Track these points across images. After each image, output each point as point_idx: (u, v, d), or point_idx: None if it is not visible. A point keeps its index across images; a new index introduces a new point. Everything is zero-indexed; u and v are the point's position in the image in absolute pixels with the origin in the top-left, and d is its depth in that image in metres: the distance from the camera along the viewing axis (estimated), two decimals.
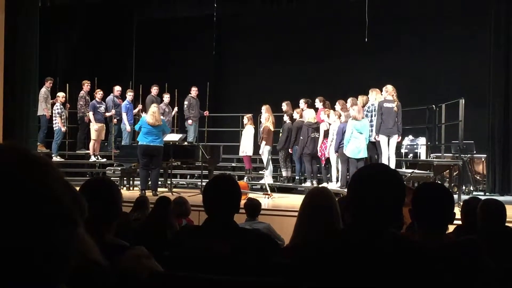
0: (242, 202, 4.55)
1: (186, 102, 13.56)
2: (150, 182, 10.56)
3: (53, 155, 12.47)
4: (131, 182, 11.94)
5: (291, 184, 11.98)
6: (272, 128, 12.00)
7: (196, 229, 3.25)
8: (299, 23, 15.29)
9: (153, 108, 10.56)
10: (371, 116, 10.18)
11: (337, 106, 10.77)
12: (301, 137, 11.18)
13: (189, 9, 15.18)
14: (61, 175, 1.00)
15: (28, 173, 0.93)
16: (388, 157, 9.80)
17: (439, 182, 9.37)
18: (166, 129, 11.00)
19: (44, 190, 0.94)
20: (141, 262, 2.21)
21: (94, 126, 12.84)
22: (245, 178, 12.58)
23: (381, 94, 10.12)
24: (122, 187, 11.33)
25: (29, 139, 11.96)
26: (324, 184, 10.40)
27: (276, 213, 8.34)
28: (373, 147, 10.24)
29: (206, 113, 14.14)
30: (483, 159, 11.52)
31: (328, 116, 10.92)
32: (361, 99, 10.63)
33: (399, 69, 13.67)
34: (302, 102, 11.80)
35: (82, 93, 13.28)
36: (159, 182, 11.15)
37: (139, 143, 10.53)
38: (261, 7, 14.74)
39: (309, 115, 11.26)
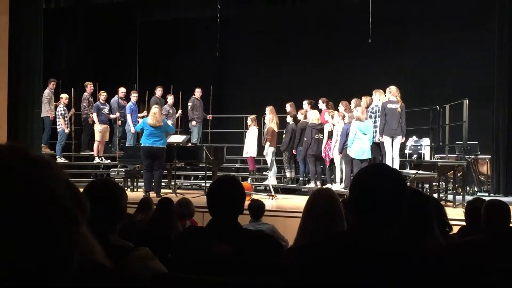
0: (246, 203, 4.55)
1: (190, 104, 13.57)
2: (153, 184, 10.57)
3: (57, 157, 12.49)
4: (135, 183, 11.95)
5: (295, 185, 11.98)
6: (276, 129, 12.00)
7: (200, 230, 3.25)
8: (303, 24, 15.29)
9: (154, 109, 10.57)
10: (375, 117, 10.18)
11: (341, 107, 10.77)
12: (305, 138, 11.18)
13: (192, 11, 15.20)
14: (62, 175, 1.00)
15: (29, 173, 0.93)
16: (392, 158, 9.79)
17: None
18: (170, 129, 11.00)
19: (44, 190, 0.94)
20: (146, 264, 2.22)
21: (98, 128, 12.86)
22: (249, 179, 12.58)
23: (385, 95, 10.12)
24: (126, 188, 11.35)
25: (33, 141, 12.00)
26: (328, 185, 10.40)
27: (280, 214, 8.33)
28: (377, 148, 10.24)
29: (210, 117, 14.15)
30: (487, 160, 11.49)
31: (332, 117, 10.91)
32: (364, 100, 10.63)
33: (402, 70, 13.66)
34: (305, 103, 11.79)
35: (85, 94, 13.30)
36: (163, 183, 11.17)
37: (141, 145, 10.55)
38: (264, 8, 14.75)
39: (313, 116, 11.26)
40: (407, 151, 12.10)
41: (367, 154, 9.88)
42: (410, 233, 2.59)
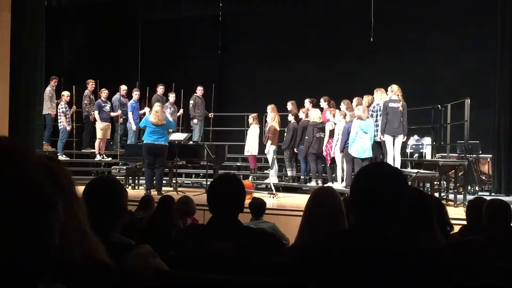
0: (247, 201, 4.55)
1: (191, 102, 13.57)
2: (155, 182, 10.57)
3: (58, 154, 12.49)
4: (136, 181, 11.96)
5: (296, 183, 11.98)
6: (277, 128, 12.00)
7: (200, 228, 3.25)
8: (305, 23, 15.28)
9: (156, 107, 10.59)
10: (376, 116, 10.16)
11: (342, 106, 10.76)
12: (307, 137, 11.18)
13: (194, 9, 15.20)
14: (37, 159, 0.98)
15: (2, 161, 0.93)
16: (393, 157, 9.78)
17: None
18: (171, 125, 11.02)
19: (19, 177, 0.93)
20: (147, 261, 2.22)
21: (99, 125, 12.86)
22: (250, 177, 12.58)
23: (386, 94, 10.10)
24: (127, 186, 11.37)
25: (35, 138, 12.00)
26: (329, 184, 10.39)
27: (281, 212, 8.34)
28: (378, 147, 10.22)
29: (211, 115, 14.15)
30: (488, 159, 11.48)
31: (334, 115, 10.91)
32: (366, 98, 10.61)
33: (404, 69, 13.64)
34: (307, 102, 11.79)
35: (86, 92, 13.30)
36: (164, 181, 11.17)
37: (143, 142, 10.55)
38: (266, 7, 14.75)
39: (314, 115, 11.26)
40: (408, 150, 12.10)
41: (368, 153, 9.87)
42: (411, 232, 2.59)
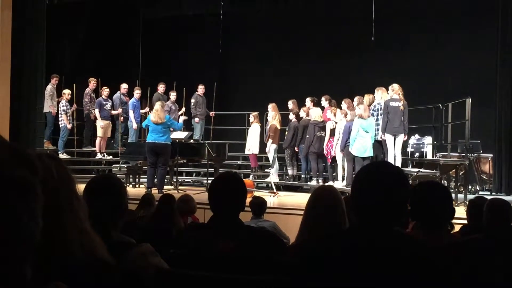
0: (248, 200, 4.55)
1: (193, 100, 13.55)
2: (156, 180, 10.57)
3: (59, 152, 12.50)
4: (137, 179, 11.96)
5: (297, 182, 11.98)
6: (278, 126, 12.00)
7: (201, 227, 3.26)
8: (306, 21, 15.26)
9: (156, 106, 10.65)
10: (377, 115, 10.16)
11: (343, 105, 10.76)
12: (307, 136, 11.18)
13: (195, 7, 15.20)
14: (4, 144, 0.96)
15: None
16: (394, 156, 9.78)
17: (436, 180, 9.32)
18: (175, 125, 11.04)
19: None
20: (147, 259, 2.22)
21: (100, 123, 12.86)
22: (251, 176, 12.58)
23: (387, 93, 10.10)
24: (128, 184, 11.37)
25: (35, 136, 12.00)
26: (330, 183, 10.39)
27: (282, 211, 8.36)
28: (379, 146, 10.22)
29: (212, 113, 14.13)
30: (489, 159, 11.48)
31: (335, 114, 10.91)
32: (367, 98, 10.61)
33: (405, 68, 13.63)
34: (308, 101, 11.79)
35: (87, 90, 13.30)
36: (165, 180, 11.18)
37: (146, 141, 10.59)
38: (267, 6, 14.74)
39: (315, 114, 11.26)
40: (409, 149, 12.09)
41: (369, 152, 9.88)
42: (423, 228, 2.67)
